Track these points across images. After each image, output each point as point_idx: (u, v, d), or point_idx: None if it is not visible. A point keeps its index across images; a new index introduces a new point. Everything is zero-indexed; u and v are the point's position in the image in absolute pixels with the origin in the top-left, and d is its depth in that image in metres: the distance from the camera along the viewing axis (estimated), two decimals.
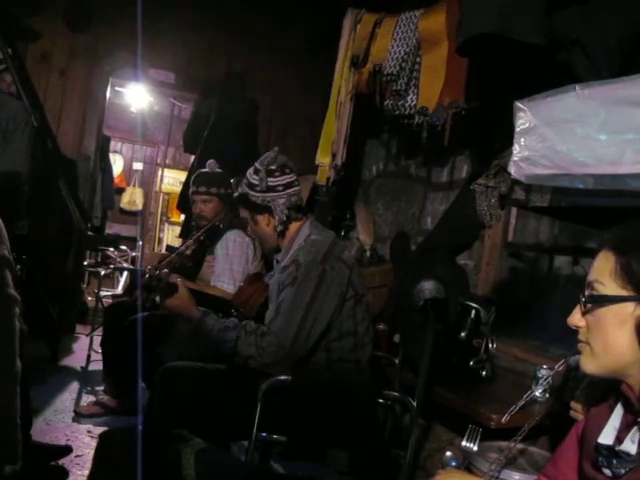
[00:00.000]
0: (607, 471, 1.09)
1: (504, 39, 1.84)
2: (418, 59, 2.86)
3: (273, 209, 2.16)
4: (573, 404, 1.54)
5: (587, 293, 1.12)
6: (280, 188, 2.16)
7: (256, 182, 2.15)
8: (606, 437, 1.13)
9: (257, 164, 2.18)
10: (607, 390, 1.21)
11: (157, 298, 2.08)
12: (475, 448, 1.56)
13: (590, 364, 1.13)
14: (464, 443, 1.57)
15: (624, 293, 1.07)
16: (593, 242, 2.50)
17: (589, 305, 1.11)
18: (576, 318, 1.14)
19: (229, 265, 2.97)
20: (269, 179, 2.14)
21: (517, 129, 1.57)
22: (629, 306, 1.06)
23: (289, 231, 2.21)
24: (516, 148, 1.56)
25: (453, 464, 1.34)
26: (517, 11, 1.78)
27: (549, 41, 1.82)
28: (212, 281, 2.96)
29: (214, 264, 3.02)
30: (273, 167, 2.15)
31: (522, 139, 1.55)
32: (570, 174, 1.43)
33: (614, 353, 1.09)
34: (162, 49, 4.58)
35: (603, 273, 1.10)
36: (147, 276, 2.15)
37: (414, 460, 1.49)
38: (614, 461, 1.08)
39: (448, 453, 1.33)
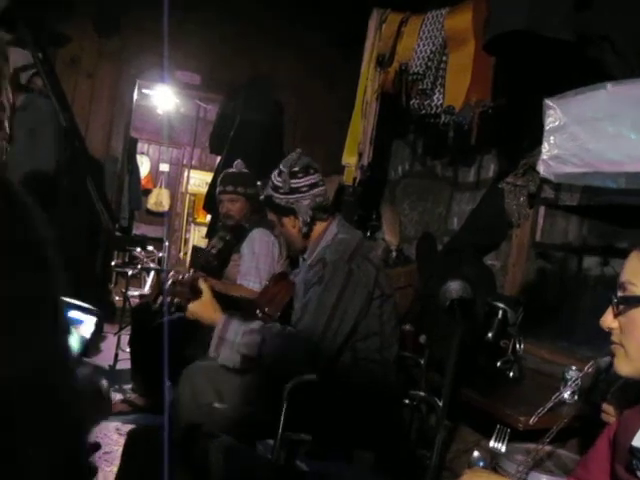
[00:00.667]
0: None
1: (532, 36, 1.82)
2: (444, 58, 2.84)
3: (297, 210, 2.16)
4: (605, 406, 1.51)
5: (619, 294, 1.10)
6: (304, 189, 2.16)
7: (280, 184, 2.15)
8: None
9: (281, 166, 2.18)
10: None
11: (182, 303, 2.09)
12: (503, 449, 1.55)
13: (625, 366, 1.11)
14: (492, 443, 1.56)
15: None
16: (623, 242, 2.46)
17: (621, 306, 1.10)
18: (609, 320, 1.13)
19: (255, 263, 2.98)
20: (292, 181, 2.14)
21: (546, 127, 1.56)
22: None
23: (315, 231, 2.21)
24: (545, 146, 1.54)
25: (481, 464, 1.33)
26: (546, 7, 1.76)
27: (579, 38, 1.80)
28: (238, 280, 2.97)
29: (240, 263, 3.03)
30: (296, 169, 2.15)
31: (552, 137, 1.53)
32: (601, 172, 1.41)
33: None
34: (187, 51, 4.62)
35: (635, 274, 1.08)
36: (171, 281, 2.17)
37: (440, 461, 1.48)
38: None
39: (476, 453, 1.32)
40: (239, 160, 3.22)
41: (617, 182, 1.38)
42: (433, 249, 3.25)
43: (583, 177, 1.45)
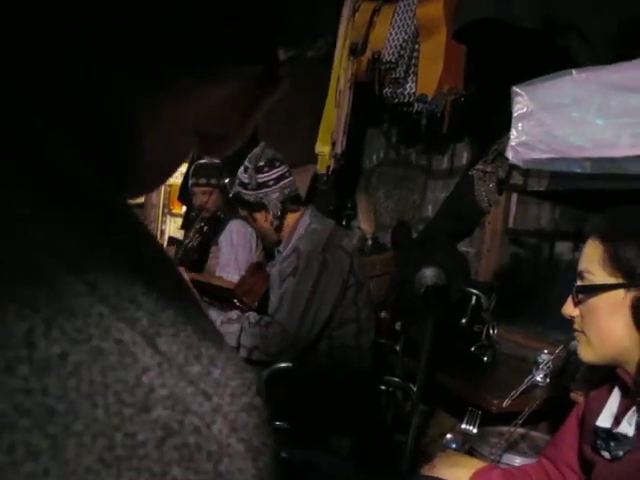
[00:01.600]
0: (605, 453, 1.10)
1: (501, 24, 1.84)
2: (417, 46, 2.85)
3: (267, 205, 2.16)
4: (573, 387, 1.55)
5: (578, 283, 1.13)
6: (271, 183, 2.16)
7: (247, 180, 2.15)
8: (604, 420, 1.14)
9: (246, 162, 2.17)
10: (606, 374, 1.22)
11: None
12: (475, 430, 1.57)
13: (587, 353, 1.14)
14: (463, 426, 1.59)
15: (613, 281, 1.08)
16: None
17: (581, 295, 1.12)
18: (570, 308, 1.15)
19: (234, 255, 2.98)
20: (258, 176, 2.14)
21: (514, 114, 1.58)
22: (620, 293, 1.07)
23: (288, 223, 2.21)
24: (513, 133, 1.56)
25: (453, 446, 1.35)
26: None
27: (547, 26, 1.81)
28: (217, 271, 2.97)
29: (218, 255, 3.02)
30: (261, 163, 2.15)
31: (519, 124, 1.55)
32: (567, 158, 1.43)
33: (609, 341, 1.10)
34: None
35: (592, 262, 1.11)
36: None
37: (416, 445, 1.50)
38: (612, 443, 1.09)
39: (448, 436, 1.34)
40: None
41: (583, 167, 1.40)
42: (408, 237, 3.27)
43: (550, 163, 1.47)
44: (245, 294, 2.30)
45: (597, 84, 1.41)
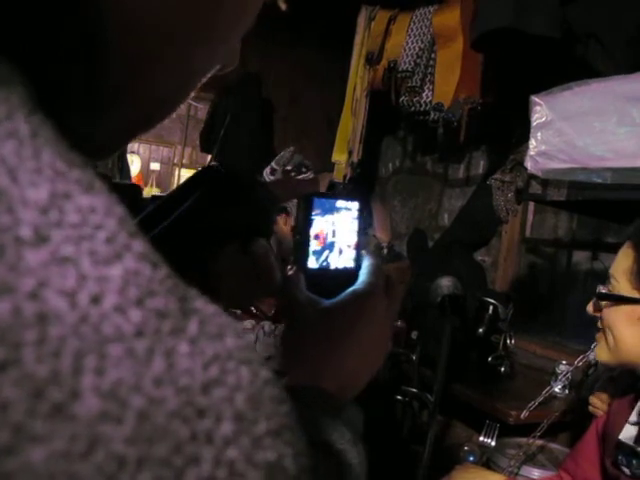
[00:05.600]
0: (626, 470, 1.08)
1: (519, 33, 1.83)
2: (433, 55, 2.85)
3: (289, 208, 2.17)
4: (592, 399, 1.53)
5: (601, 289, 1.12)
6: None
7: None
8: (627, 435, 1.13)
9: (273, 164, 2.18)
10: (628, 386, 1.21)
11: None
12: (493, 443, 1.56)
13: (603, 353, 1.13)
14: (481, 438, 1.57)
15: (635, 294, 1.06)
16: (612, 236, 2.47)
17: (601, 302, 1.11)
18: (590, 308, 1.15)
19: None
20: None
21: (533, 123, 1.56)
22: (638, 309, 1.05)
23: None
24: (532, 142, 1.55)
25: (471, 459, 1.34)
26: (532, 5, 1.77)
27: (565, 34, 1.80)
28: None
29: None
30: (289, 167, 2.16)
31: (538, 133, 1.54)
32: (587, 168, 1.42)
33: (623, 348, 1.08)
34: None
35: (619, 270, 1.09)
36: None
37: (432, 456, 1.49)
38: (634, 461, 1.07)
39: (466, 448, 1.33)
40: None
41: (603, 177, 1.39)
42: (424, 246, 3.26)
43: (570, 173, 1.46)
44: (261, 302, 2.29)
45: (617, 93, 1.40)
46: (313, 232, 0.58)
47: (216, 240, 0.67)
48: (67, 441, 0.17)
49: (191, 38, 0.31)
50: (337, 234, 0.60)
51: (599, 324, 1.14)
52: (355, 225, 0.62)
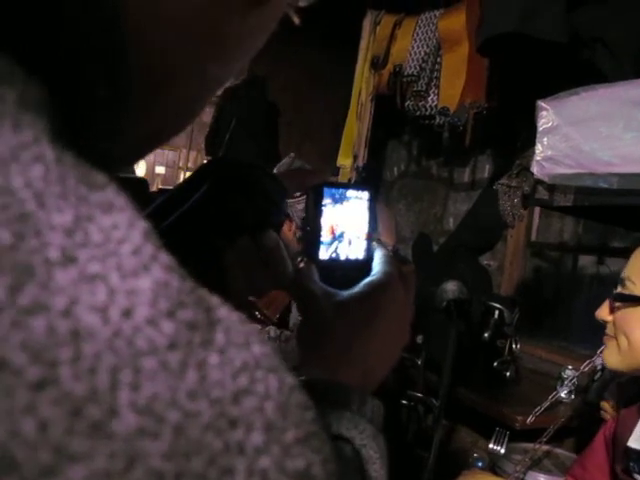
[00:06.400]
0: (638, 477, 1.08)
1: (525, 38, 1.83)
2: (439, 59, 2.85)
3: (292, 215, 2.17)
4: (604, 404, 1.53)
5: (618, 289, 1.11)
6: (297, 194, 2.16)
7: None
8: (636, 440, 1.12)
9: (275, 170, 2.18)
10: (635, 393, 1.20)
11: None
12: (502, 451, 1.55)
13: (614, 359, 1.12)
14: (491, 446, 1.57)
15: None
16: (618, 241, 2.47)
17: (618, 303, 1.11)
18: (604, 312, 1.14)
19: None
20: None
21: (540, 128, 1.56)
22: None
23: None
24: (539, 147, 1.55)
25: (479, 465, 1.34)
26: (538, 9, 1.77)
27: (571, 39, 1.80)
28: None
29: None
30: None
31: (545, 138, 1.54)
32: (594, 173, 1.42)
33: (638, 352, 1.08)
34: None
35: (635, 271, 1.09)
36: None
37: (437, 461, 1.49)
38: None
39: (475, 455, 1.32)
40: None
41: (610, 183, 1.38)
42: (429, 250, 3.26)
43: (576, 178, 1.46)
44: (267, 307, 2.29)
45: (624, 98, 1.40)
46: (323, 222, 0.57)
47: (225, 233, 0.66)
48: (106, 459, 0.17)
49: (213, 54, 0.31)
50: (347, 224, 0.59)
51: (608, 329, 1.13)
52: (366, 215, 0.61)
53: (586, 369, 1.82)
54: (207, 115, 7.35)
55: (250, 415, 0.20)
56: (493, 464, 1.75)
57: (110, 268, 0.19)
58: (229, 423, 0.19)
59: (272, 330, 2.01)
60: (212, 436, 0.19)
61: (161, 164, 8.88)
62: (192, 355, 0.19)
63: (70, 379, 0.17)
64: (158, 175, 8.82)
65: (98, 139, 0.27)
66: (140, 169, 8.27)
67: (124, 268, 0.19)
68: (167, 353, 0.19)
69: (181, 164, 8.80)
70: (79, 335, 0.17)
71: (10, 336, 0.17)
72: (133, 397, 0.18)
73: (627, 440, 1.12)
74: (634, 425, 1.13)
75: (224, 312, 0.22)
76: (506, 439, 1.59)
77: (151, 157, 8.84)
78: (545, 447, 1.80)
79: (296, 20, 0.37)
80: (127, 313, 0.19)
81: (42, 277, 0.17)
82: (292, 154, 2.24)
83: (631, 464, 1.09)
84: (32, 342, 0.17)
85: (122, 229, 0.20)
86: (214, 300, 0.22)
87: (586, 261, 2.81)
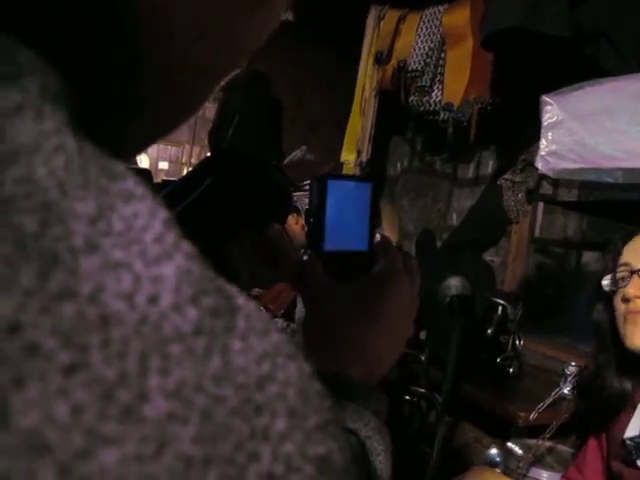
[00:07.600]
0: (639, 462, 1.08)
1: (529, 33, 1.83)
2: (443, 55, 2.85)
3: (300, 208, 2.17)
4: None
5: None
6: (307, 187, 2.17)
7: None
8: (632, 430, 1.12)
9: (285, 163, 2.18)
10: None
11: None
12: (520, 451, 1.55)
13: (638, 338, 1.11)
14: (509, 444, 1.57)
15: None
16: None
17: None
18: (632, 290, 1.13)
19: None
20: None
21: (544, 123, 1.56)
22: None
23: None
24: (543, 142, 1.54)
25: (497, 460, 1.33)
26: (541, 4, 1.76)
27: (575, 34, 1.80)
28: None
29: None
30: None
31: (549, 133, 1.53)
32: (598, 168, 1.41)
33: None
34: None
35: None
36: None
37: (440, 456, 1.49)
38: None
39: (493, 451, 1.32)
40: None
41: (615, 177, 1.38)
42: (433, 246, 3.25)
43: (581, 173, 1.45)
44: (272, 301, 2.29)
45: (628, 92, 1.39)
46: (327, 213, 0.58)
47: (229, 226, 0.66)
48: (138, 443, 0.17)
49: (223, 44, 0.32)
50: (351, 216, 0.60)
51: (636, 305, 1.12)
52: (369, 207, 0.62)
53: (589, 366, 1.81)
54: (210, 111, 7.36)
55: (274, 401, 0.20)
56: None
57: (134, 256, 0.19)
58: (255, 409, 0.20)
59: (279, 322, 2.01)
60: (239, 421, 0.19)
61: (164, 159, 8.89)
62: (216, 341, 0.20)
63: (101, 363, 0.17)
64: (161, 170, 8.83)
65: (110, 131, 0.27)
66: (143, 164, 8.28)
67: (147, 256, 0.19)
68: (192, 339, 0.19)
69: (184, 160, 8.82)
70: (108, 321, 0.18)
71: (40, 321, 0.17)
72: (162, 382, 0.18)
73: (623, 434, 1.12)
74: (629, 419, 1.13)
75: (243, 300, 0.22)
76: (525, 438, 1.59)
77: (154, 153, 8.85)
78: (548, 443, 1.80)
79: (290, 16, 0.37)
80: (153, 300, 0.19)
81: (68, 264, 0.18)
82: (304, 147, 2.24)
83: (633, 452, 1.09)
84: (62, 327, 0.17)
85: (143, 218, 0.20)
86: (232, 289, 0.22)
87: (590, 257, 2.80)
